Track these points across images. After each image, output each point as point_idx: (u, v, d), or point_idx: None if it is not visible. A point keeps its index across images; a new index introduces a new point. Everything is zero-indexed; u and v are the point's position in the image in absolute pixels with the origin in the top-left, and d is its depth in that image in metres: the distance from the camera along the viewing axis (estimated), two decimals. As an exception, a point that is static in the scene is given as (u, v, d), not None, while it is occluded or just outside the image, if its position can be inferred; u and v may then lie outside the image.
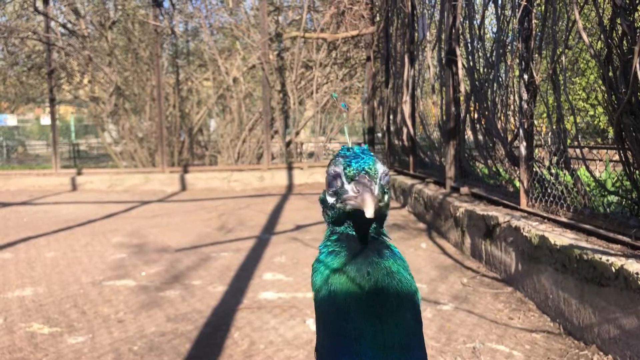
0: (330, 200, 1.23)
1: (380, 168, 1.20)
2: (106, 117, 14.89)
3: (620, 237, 3.73)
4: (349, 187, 1.16)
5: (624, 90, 3.59)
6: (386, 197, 1.21)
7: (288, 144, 14.14)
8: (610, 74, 3.81)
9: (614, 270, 3.24)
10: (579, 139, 4.98)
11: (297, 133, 14.29)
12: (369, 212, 1.05)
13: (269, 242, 6.58)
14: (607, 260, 3.32)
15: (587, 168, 4.48)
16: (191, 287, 4.81)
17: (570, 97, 4.74)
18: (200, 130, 15.40)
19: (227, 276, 5.10)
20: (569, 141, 5.09)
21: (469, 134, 7.05)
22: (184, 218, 8.66)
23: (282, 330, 3.74)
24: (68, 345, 3.55)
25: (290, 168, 13.29)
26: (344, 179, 1.19)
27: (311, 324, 3.85)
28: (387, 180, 1.23)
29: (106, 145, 15.85)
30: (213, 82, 14.68)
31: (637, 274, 3.04)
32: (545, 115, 5.31)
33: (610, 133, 5.30)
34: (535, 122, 5.05)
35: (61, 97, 15.80)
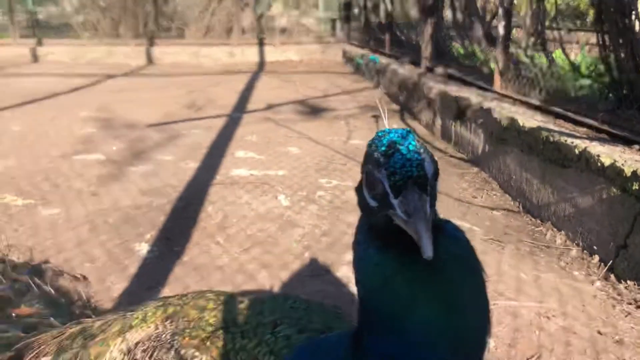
0: (372, 203, 1.00)
1: (429, 166, 0.98)
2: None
3: (587, 120, 3.81)
4: (396, 203, 0.95)
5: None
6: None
7: (259, 17, 13.57)
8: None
9: (577, 152, 3.35)
10: (558, 20, 4.90)
11: (270, 5, 13.68)
12: (427, 253, 0.87)
13: (241, 121, 6.54)
14: (572, 142, 3.42)
15: (564, 50, 4.46)
16: (163, 163, 4.83)
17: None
18: (165, 1, 14.59)
19: (199, 153, 5.11)
20: (547, 22, 5.02)
21: (447, 13, 6.85)
22: (152, 94, 8.47)
23: (255, 205, 3.84)
24: (43, 217, 3.60)
25: (261, 44, 12.88)
26: (388, 190, 0.96)
27: (282, 199, 3.95)
28: (436, 177, 1.01)
29: (67, 14, 14.95)
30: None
31: (598, 156, 3.15)
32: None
33: (590, 16, 5.22)
34: (515, 1, 4.92)
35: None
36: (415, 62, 7.72)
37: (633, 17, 3.61)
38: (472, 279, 0.99)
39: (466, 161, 4.95)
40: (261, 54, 12.72)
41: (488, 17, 5.48)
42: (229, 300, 1.36)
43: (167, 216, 3.62)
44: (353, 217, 3.69)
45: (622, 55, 3.70)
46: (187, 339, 1.25)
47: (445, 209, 3.88)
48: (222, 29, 13.49)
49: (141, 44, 12.86)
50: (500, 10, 4.93)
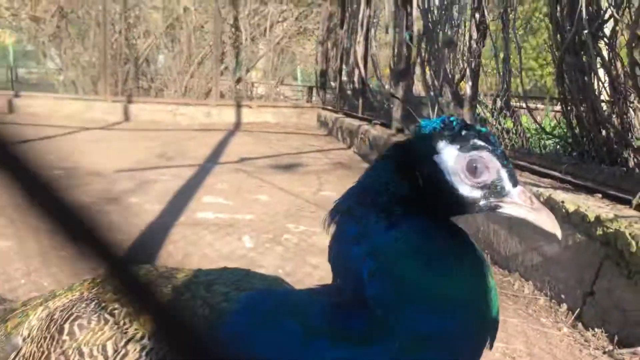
0: (471, 193, 0.99)
1: None
2: (47, 40, 14.07)
3: (551, 172, 3.88)
4: (516, 192, 0.99)
5: (569, 28, 3.66)
6: None
7: (238, 80, 13.85)
8: (558, 13, 3.87)
9: (542, 199, 3.38)
10: (523, 83, 5.09)
11: (248, 70, 14.00)
12: (560, 234, 0.97)
13: (212, 171, 6.51)
14: (537, 191, 3.46)
15: (530, 112, 4.61)
16: (127, 205, 4.72)
17: (521, 55, 4.80)
18: (147, 61, 14.83)
19: (165, 198, 5.03)
20: (513, 85, 5.21)
21: (418, 76, 7.09)
22: (124, 144, 8.43)
23: (218, 246, 3.74)
24: (-6, 248, 3.44)
25: (239, 106, 13.06)
26: (503, 178, 0.99)
27: (247, 240, 3.87)
28: None
29: (47, 71, 15.06)
30: (163, 11, 14.07)
31: (562, 202, 3.18)
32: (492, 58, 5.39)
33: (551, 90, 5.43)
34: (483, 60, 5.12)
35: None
36: (386, 124, 7.89)
37: (592, 75, 3.76)
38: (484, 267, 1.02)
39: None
40: (238, 115, 12.87)
41: (457, 78, 5.67)
42: (164, 269, 1.28)
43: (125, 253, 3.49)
44: (318, 258, 3.61)
45: (583, 111, 3.83)
46: (109, 294, 1.15)
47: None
48: (200, 91, 13.69)
49: (119, 100, 12.93)
50: (468, 72, 5.12)
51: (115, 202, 4.80)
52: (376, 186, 1.01)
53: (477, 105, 5.11)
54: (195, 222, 4.24)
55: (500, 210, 0.99)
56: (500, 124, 4.81)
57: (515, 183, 0.99)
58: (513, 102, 5.12)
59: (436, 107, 6.43)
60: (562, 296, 3.17)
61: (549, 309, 3.15)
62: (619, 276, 2.76)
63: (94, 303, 1.14)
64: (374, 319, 0.94)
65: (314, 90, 14.58)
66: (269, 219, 4.46)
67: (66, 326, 1.11)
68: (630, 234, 2.67)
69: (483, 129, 1.01)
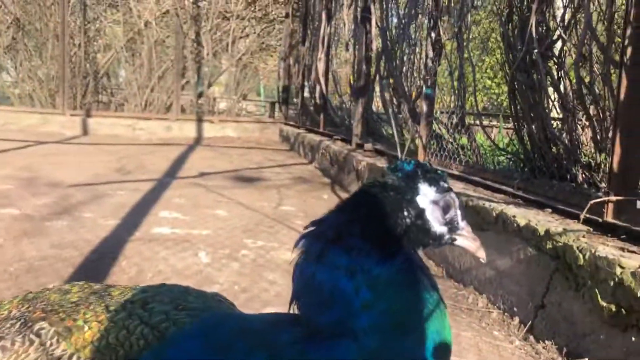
0: (440, 229, 1.13)
1: None
2: (3, 52, 13.71)
3: (504, 187, 3.97)
4: (464, 225, 1.17)
5: (520, 47, 3.78)
6: None
7: (199, 95, 13.76)
8: (510, 32, 4.00)
9: (494, 214, 3.45)
10: (477, 101, 5.22)
11: (210, 85, 13.93)
12: (484, 259, 1.17)
13: (170, 185, 6.42)
14: (490, 205, 3.54)
15: (483, 129, 4.71)
16: (81, 219, 4.60)
17: (475, 74, 4.92)
18: (107, 75, 14.59)
19: (121, 212, 4.93)
20: (468, 103, 5.33)
21: (377, 93, 7.19)
22: (82, 158, 8.24)
23: (173, 261, 3.68)
24: None
25: (200, 120, 12.96)
26: (459, 214, 1.15)
27: (203, 256, 3.82)
28: None
29: (2, 84, 14.64)
30: (123, 25, 13.90)
31: (514, 216, 3.26)
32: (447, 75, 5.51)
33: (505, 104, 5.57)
34: (438, 79, 5.23)
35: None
36: (347, 140, 7.96)
37: (542, 93, 3.89)
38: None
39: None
40: (199, 129, 12.77)
41: (414, 95, 5.77)
42: (98, 287, 1.24)
43: (76, 268, 3.40)
44: (275, 274, 3.59)
45: (534, 128, 3.95)
46: (37, 312, 1.10)
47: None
48: (161, 105, 13.53)
49: (77, 114, 12.67)
50: (424, 89, 5.21)
51: (68, 215, 4.67)
52: (364, 218, 1.06)
53: (433, 122, 5.20)
54: (151, 238, 4.16)
55: (456, 242, 1.16)
56: (455, 140, 4.90)
57: (463, 217, 1.16)
58: (468, 120, 5.23)
59: (394, 124, 6.53)
60: (515, 309, 3.23)
61: (502, 322, 3.20)
62: (567, 289, 2.84)
63: (19, 322, 1.08)
64: (363, 350, 0.95)
65: (277, 106, 14.61)
66: (227, 234, 4.42)
67: None
68: (577, 247, 2.75)
69: (440, 171, 1.17)
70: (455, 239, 1.15)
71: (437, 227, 1.12)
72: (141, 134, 12.38)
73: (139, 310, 1.07)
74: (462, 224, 1.15)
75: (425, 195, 1.11)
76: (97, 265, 3.50)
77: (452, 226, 1.14)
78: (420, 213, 1.10)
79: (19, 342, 1.04)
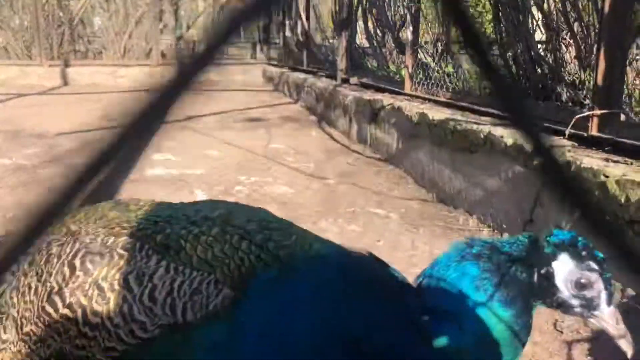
0: (574, 302, 1.19)
1: None
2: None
3: (491, 110, 4.03)
4: (609, 312, 1.18)
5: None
6: None
7: (179, 39, 13.47)
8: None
9: (482, 136, 3.53)
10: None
11: (189, 28, 13.62)
12: (630, 354, 1.16)
13: (158, 130, 6.40)
14: (478, 128, 3.61)
15: (469, 55, 4.71)
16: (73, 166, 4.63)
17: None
18: (82, 23, 14.16)
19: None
20: (453, 32, 5.29)
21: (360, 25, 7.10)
22: (65, 108, 8.16)
23: (171, 200, 3.73)
24: None
25: (182, 65, 12.73)
26: (603, 298, 1.17)
27: (199, 194, 3.89)
28: None
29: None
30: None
31: (502, 137, 3.34)
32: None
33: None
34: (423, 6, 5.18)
35: None
36: (332, 76, 7.91)
37: (526, 13, 3.89)
38: None
39: (382, 160, 5.07)
40: (181, 74, 12.57)
41: (398, 25, 5.72)
42: (155, 202, 1.27)
43: (76, 211, 3.46)
44: (271, 207, 3.66)
45: (519, 49, 3.97)
46: (117, 228, 1.13)
47: (363, 199, 3.95)
48: (140, 52, 13.23)
49: (56, 64, 12.39)
50: (408, 17, 5.17)
51: (60, 163, 4.69)
52: (502, 258, 1.19)
53: (419, 51, 5.19)
54: (146, 179, 4.21)
55: (591, 319, 1.20)
56: (441, 68, 4.91)
57: (609, 303, 1.18)
58: (454, 48, 5.22)
59: (379, 56, 6.50)
60: (504, 226, 3.36)
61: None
62: (554, 202, 2.95)
63: (100, 238, 1.12)
64: (462, 339, 1.14)
65: (258, 47, 14.35)
66: (220, 173, 4.48)
67: (77, 262, 1.09)
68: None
69: (600, 255, 1.19)
70: (590, 317, 1.19)
71: (567, 296, 1.19)
72: (122, 81, 12.18)
73: (228, 228, 1.12)
74: (607, 308, 1.17)
75: (563, 264, 1.18)
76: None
77: (588, 303, 1.18)
78: (549, 276, 1.18)
79: (107, 257, 1.08)
